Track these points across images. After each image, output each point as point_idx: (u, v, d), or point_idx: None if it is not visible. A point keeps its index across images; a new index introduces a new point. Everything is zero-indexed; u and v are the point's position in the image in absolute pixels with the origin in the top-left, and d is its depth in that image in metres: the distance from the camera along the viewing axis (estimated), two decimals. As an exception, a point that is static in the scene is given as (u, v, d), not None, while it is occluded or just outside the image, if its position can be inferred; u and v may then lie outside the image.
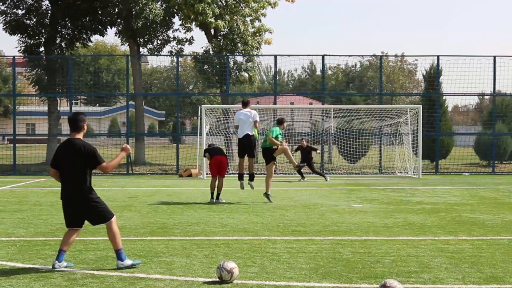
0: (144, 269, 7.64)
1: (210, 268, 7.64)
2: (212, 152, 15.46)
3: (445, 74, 28.20)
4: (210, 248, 8.99)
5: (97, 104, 72.02)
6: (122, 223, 11.44)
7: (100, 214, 7.76)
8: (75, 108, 60.16)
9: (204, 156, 16.23)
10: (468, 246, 9.20)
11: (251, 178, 15.12)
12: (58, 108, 32.67)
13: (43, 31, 31.72)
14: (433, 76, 28.76)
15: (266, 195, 14.78)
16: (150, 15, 29.92)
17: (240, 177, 15.16)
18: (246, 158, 15.15)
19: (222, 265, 6.99)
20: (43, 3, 32.25)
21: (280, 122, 15.32)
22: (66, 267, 7.63)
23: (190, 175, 24.46)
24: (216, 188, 15.18)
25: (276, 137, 14.77)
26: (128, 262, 7.67)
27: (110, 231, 7.73)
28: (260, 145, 15.68)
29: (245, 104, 15.33)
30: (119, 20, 31.80)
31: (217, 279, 6.98)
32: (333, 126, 28.87)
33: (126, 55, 30.10)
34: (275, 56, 27.25)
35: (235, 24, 30.66)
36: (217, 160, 15.24)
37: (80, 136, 7.86)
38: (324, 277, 7.23)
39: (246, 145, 14.88)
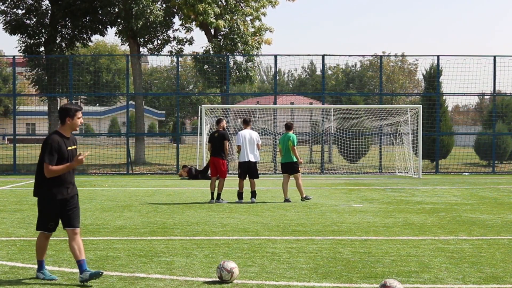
0: (144, 269, 7.64)
1: (210, 268, 7.64)
2: (211, 150, 15.26)
3: (445, 74, 28.20)
4: (210, 248, 8.99)
5: (97, 104, 72.06)
6: (122, 223, 11.45)
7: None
8: (75, 108, 60.17)
9: (209, 142, 15.67)
10: (468, 246, 9.20)
11: (254, 195, 15.12)
12: (58, 108, 32.65)
13: (43, 31, 31.73)
14: (433, 76, 28.75)
15: (305, 198, 15.18)
16: (151, 16, 29.89)
17: (240, 196, 15.10)
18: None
19: (222, 265, 6.99)
20: (43, 3, 32.27)
21: (291, 127, 15.57)
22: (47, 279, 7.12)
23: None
24: (216, 188, 15.16)
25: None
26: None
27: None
28: (280, 161, 15.68)
29: (248, 123, 15.49)
30: (119, 20, 31.81)
31: (217, 279, 6.99)
32: (333, 126, 28.87)
33: (126, 55, 30.10)
34: (275, 56, 27.26)
35: (235, 24, 30.66)
36: (213, 161, 15.23)
37: (62, 129, 7.14)
38: (324, 277, 7.23)
39: (250, 168, 15.08)
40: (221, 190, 15.17)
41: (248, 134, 15.18)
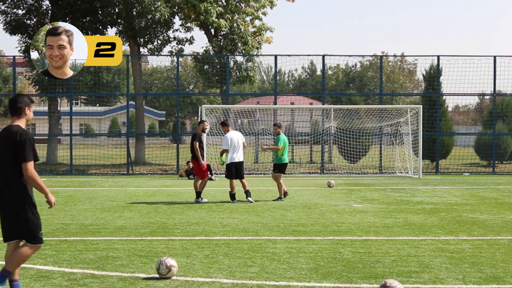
0: (144, 269, 7.64)
1: (210, 268, 7.64)
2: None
3: (445, 74, 28.19)
4: (210, 248, 8.99)
5: (97, 104, 72.00)
6: (122, 223, 11.45)
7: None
8: (76, 108, 60.17)
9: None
10: (468, 246, 9.20)
11: (249, 194, 15.14)
12: (59, 108, 32.67)
13: (43, 31, 31.70)
14: (433, 76, 28.75)
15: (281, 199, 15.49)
16: (157, 14, 29.69)
17: (233, 197, 15.10)
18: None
19: (163, 260, 7.14)
20: (43, 3, 32.28)
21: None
22: None
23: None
24: (193, 187, 15.52)
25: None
26: None
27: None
28: (277, 161, 15.72)
29: (228, 124, 15.55)
30: (119, 20, 31.81)
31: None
32: (333, 126, 28.87)
33: (126, 55, 30.07)
34: (275, 56, 27.25)
35: (235, 24, 30.67)
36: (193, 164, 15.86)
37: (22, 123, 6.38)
38: (324, 277, 7.23)
39: (240, 169, 15.13)
40: (197, 189, 15.34)
41: (235, 135, 15.23)
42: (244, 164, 15.70)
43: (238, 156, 15.09)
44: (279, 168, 15.66)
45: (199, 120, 16.28)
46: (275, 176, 15.64)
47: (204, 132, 16.14)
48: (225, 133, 15.31)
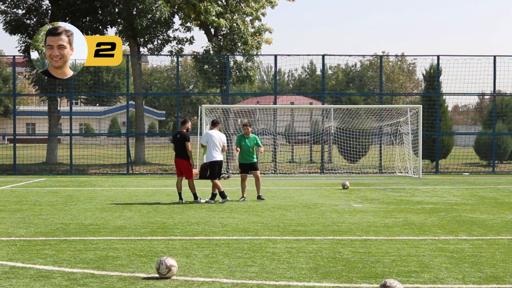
0: (144, 269, 7.64)
1: (210, 268, 7.64)
2: (175, 151, 15.38)
3: (445, 74, 28.21)
4: (210, 248, 9.00)
5: (97, 104, 72.01)
6: (122, 223, 11.45)
7: None
8: (75, 108, 60.21)
9: (173, 143, 15.77)
10: (468, 246, 9.20)
11: (214, 197, 15.10)
12: (59, 108, 32.67)
13: (43, 31, 31.67)
14: (433, 75, 28.75)
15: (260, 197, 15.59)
16: (157, 14, 29.64)
17: (223, 195, 15.06)
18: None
19: (163, 260, 7.13)
20: (43, 3, 32.28)
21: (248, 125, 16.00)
22: None
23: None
24: (190, 189, 15.28)
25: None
26: None
27: None
28: (244, 161, 15.70)
29: (216, 124, 15.51)
30: (119, 20, 31.80)
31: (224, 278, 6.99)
32: (333, 126, 28.87)
33: (126, 55, 30.06)
34: (275, 56, 27.25)
35: (234, 24, 30.67)
36: (177, 162, 15.42)
37: None
38: (324, 277, 7.23)
39: (219, 168, 15.12)
40: (194, 190, 15.25)
41: (216, 134, 15.20)
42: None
43: (220, 156, 15.10)
44: (251, 167, 15.66)
45: (182, 120, 15.93)
46: (245, 176, 15.61)
47: (188, 131, 15.99)
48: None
